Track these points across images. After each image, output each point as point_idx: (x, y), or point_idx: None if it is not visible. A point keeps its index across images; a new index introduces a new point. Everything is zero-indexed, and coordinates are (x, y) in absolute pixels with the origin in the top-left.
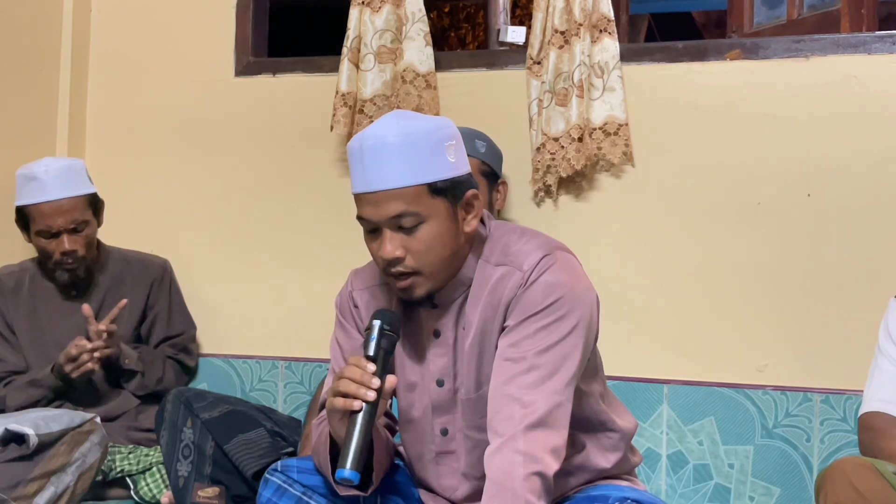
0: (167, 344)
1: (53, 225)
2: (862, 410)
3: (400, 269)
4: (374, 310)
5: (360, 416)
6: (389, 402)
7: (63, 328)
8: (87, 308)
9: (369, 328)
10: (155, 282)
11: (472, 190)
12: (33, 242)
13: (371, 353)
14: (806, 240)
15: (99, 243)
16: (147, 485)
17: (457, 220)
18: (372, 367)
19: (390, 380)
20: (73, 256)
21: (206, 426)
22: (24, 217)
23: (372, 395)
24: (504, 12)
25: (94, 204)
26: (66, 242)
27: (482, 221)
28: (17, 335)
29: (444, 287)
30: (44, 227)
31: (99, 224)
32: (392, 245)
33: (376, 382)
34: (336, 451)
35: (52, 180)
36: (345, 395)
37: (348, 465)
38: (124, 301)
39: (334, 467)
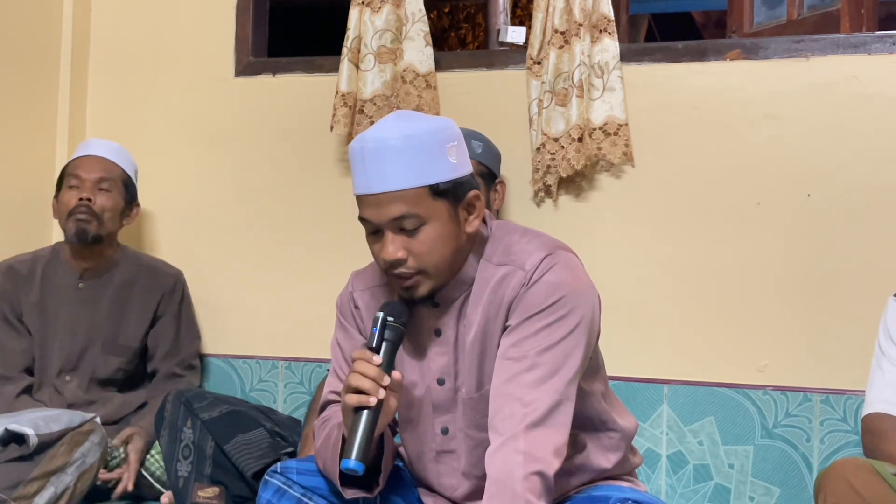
0: (173, 362)
1: (83, 174)
2: (865, 412)
3: (402, 270)
4: (375, 311)
5: (365, 409)
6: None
7: (71, 319)
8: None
9: (374, 320)
10: (165, 294)
11: (474, 191)
12: (59, 201)
13: (374, 344)
14: (806, 240)
15: (117, 243)
16: (153, 457)
17: (458, 220)
18: (378, 358)
19: (395, 375)
20: (87, 206)
21: (206, 426)
22: (61, 177)
23: (384, 392)
24: (504, 12)
25: (127, 187)
26: (87, 191)
27: (483, 221)
28: (25, 324)
29: (446, 286)
30: (75, 175)
31: (126, 215)
32: (394, 247)
33: (387, 380)
34: None
35: (101, 144)
36: (357, 391)
37: (353, 455)
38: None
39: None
